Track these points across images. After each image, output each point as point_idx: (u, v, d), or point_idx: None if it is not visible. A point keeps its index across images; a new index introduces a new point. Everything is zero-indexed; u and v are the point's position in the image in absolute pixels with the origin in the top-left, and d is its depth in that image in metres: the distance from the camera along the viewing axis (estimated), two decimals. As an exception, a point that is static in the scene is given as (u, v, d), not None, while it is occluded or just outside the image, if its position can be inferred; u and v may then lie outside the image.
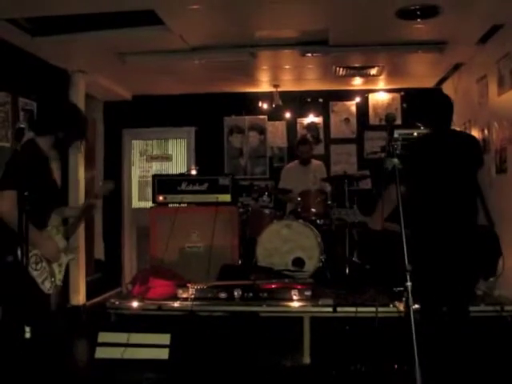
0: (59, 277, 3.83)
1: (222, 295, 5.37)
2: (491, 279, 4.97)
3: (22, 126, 3.37)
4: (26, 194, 3.10)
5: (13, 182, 3.38)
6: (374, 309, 4.84)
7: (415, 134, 6.31)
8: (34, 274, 3.60)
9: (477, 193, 4.10)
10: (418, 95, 8.18)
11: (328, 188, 7.44)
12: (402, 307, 4.47)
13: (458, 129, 4.69)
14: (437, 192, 4.00)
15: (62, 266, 3.85)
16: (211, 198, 6.36)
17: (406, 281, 2.80)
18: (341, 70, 7.54)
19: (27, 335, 3.06)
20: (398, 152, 3.13)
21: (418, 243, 3.81)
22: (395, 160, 3.09)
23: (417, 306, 3.19)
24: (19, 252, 3.38)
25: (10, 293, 3.50)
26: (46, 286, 3.67)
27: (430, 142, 4.21)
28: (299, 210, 6.87)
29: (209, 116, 8.97)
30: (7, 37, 5.82)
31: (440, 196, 3.99)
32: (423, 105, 4.39)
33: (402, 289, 2.85)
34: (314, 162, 7.90)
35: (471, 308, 4.41)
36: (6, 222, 3.48)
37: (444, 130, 4.23)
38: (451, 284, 3.94)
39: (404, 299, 2.83)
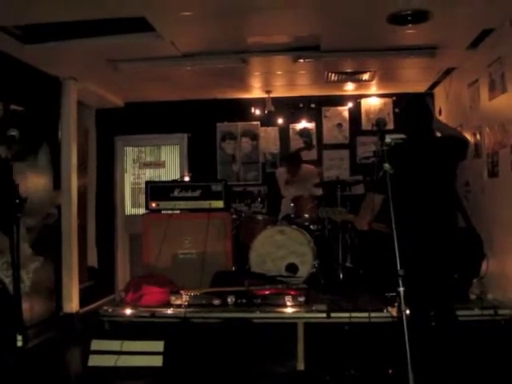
0: (28, 283, 3.83)
1: (216, 302, 5.37)
2: (474, 280, 5.00)
3: (13, 133, 3.37)
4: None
5: None
6: (367, 314, 4.84)
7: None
8: (6, 280, 3.60)
9: (455, 196, 4.13)
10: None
11: (318, 193, 7.43)
12: (394, 312, 4.47)
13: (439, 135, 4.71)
14: (415, 196, 4.02)
15: (29, 273, 3.85)
16: (204, 204, 6.36)
17: (399, 286, 2.80)
18: (333, 75, 7.56)
19: (19, 343, 3.05)
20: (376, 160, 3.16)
21: (401, 248, 3.83)
22: (386, 165, 3.10)
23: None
24: None
25: None
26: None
27: (407, 148, 4.23)
28: (292, 215, 6.87)
29: (201, 122, 8.97)
30: (-2, 44, 5.81)
31: (419, 200, 4.01)
32: (401, 112, 4.43)
33: (394, 294, 2.86)
34: (305, 167, 7.88)
35: (464, 312, 4.43)
36: None
37: (420, 136, 4.26)
38: (434, 286, 3.95)
39: (396, 304, 2.84)
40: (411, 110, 4.39)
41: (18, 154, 3.88)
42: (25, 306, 3.90)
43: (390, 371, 4.29)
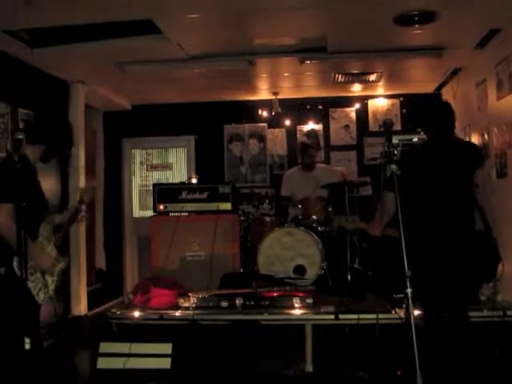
0: (52, 287, 3.82)
1: (224, 304, 5.36)
2: (490, 284, 4.97)
3: (21, 136, 3.38)
4: (23, 205, 3.10)
5: (8, 194, 3.37)
6: (375, 315, 4.83)
7: (415, 139, 6.30)
8: (30, 285, 3.60)
9: (473, 199, 4.11)
10: (418, 101, 8.24)
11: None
12: (402, 314, 4.45)
13: (460, 136, 4.71)
14: (434, 199, 4.00)
15: (54, 276, 3.85)
16: (212, 206, 6.36)
17: (407, 287, 2.79)
18: (340, 76, 7.55)
19: (27, 346, 3.05)
20: (395, 159, 3.14)
21: (416, 251, 3.81)
22: (393, 166, 3.09)
23: (418, 311, 3.17)
24: (15, 264, 3.40)
25: (2, 305, 3.51)
26: (40, 297, 3.68)
27: (429, 150, 4.22)
28: (300, 217, 6.86)
29: (209, 124, 8.98)
30: (6, 48, 5.83)
31: (437, 203, 3.98)
32: (424, 112, 4.39)
33: (402, 295, 2.85)
34: (318, 166, 7.82)
35: (474, 313, 4.41)
36: (1, 234, 3.48)
37: (444, 139, 4.23)
38: (450, 289, 3.93)
39: (404, 306, 2.83)
40: (438, 110, 4.37)
41: (44, 155, 3.89)
42: (47, 310, 3.90)
43: (399, 373, 4.27)
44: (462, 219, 4.01)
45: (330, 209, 6.79)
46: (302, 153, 7.73)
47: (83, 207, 4.37)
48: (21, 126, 6.15)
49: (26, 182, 3.52)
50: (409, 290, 2.79)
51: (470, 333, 4.05)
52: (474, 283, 4.34)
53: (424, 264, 3.87)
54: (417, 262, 3.53)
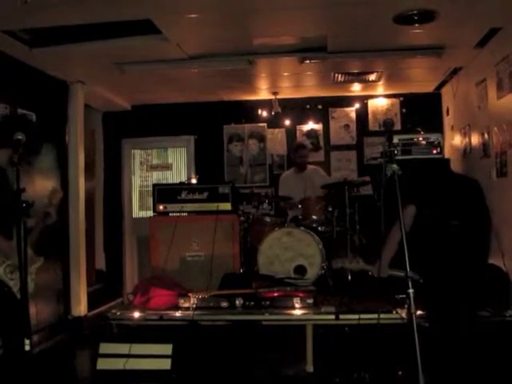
0: (32, 285, 3.83)
1: (224, 304, 5.35)
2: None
3: (20, 137, 3.37)
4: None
5: None
6: (376, 315, 4.81)
7: (414, 139, 6.29)
8: (11, 283, 3.60)
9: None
10: (418, 101, 8.26)
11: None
12: (404, 314, 4.44)
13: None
14: (449, 230, 4.04)
15: (32, 275, 3.85)
16: (211, 206, 6.35)
17: (408, 288, 2.78)
18: (339, 76, 7.54)
19: (27, 348, 3.05)
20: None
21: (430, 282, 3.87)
22: (394, 166, 3.08)
23: (420, 312, 3.16)
24: None
25: None
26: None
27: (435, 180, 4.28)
28: (300, 217, 6.85)
29: (208, 124, 8.98)
30: (5, 48, 5.82)
31: (452, 235, 4.03)
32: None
33: (404, 296, 2.84)
34: (309, 167, 7.87)
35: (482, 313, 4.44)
36: None
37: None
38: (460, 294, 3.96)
39: (406, 306, 2.82)
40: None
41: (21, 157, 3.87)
42: (32, 309, 3.89)
43: (400, 373, 4.26)
44: (475, 255, 4.06)
45: (330, 208, 6.77)
46: (294, 152, 7.78)
47: (52, 210, 4.31)
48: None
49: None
50: (411, 291, 2.78)
51: (477, 333, 4.06)
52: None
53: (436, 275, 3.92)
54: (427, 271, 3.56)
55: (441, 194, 4.17)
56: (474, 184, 4.44)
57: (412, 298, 2.77)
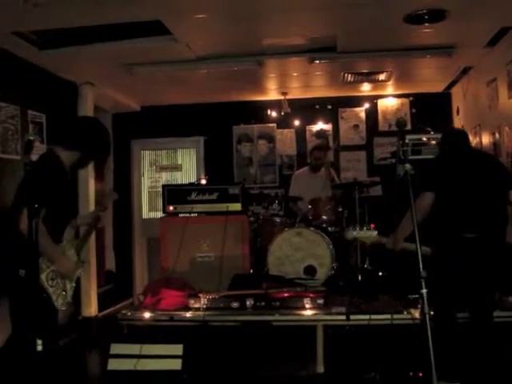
0: (70, 293, 3.82)
1: (234, 305, 5.34)
2: None
3: (32, 138, 3.38)
4: (36, 206, 3.09)
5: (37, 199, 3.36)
6: (387, 316, 4.80)
7: (424, 139, 6.27)
8: (50, 290, 3.59)
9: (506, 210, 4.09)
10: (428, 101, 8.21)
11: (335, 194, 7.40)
12: (417, 314, 4.41)
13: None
14: (466, 207, 3.98)
15: (72, 282, 3.84)
16: (221, 207, 6.34)
17: (421, 288, 2.77)
18: (349, 76, 7.53)
19: (39, 348, 3.04)
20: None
21: (440, 257, 3.80)
22: (407, 166, 3.06)
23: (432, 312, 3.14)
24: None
25: (22, 307, 3.50)
26: (59, 302, 3.67)
27: (454, 159, 4.20)
28: (310, 217, 6.84)
29: (217, 125, 8.98)
30: (15, 50, 5.85)
31: (468, 215, 3.97)
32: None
33: (417, 296, 2.82)
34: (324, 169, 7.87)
35: (501, 313, 4.39)
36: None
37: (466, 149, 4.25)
38: (474, 292, 3.92)
39: (419, 306, 2.80)
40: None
41: (80, 162, 3.91)
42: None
43: (411, 374, 4.24)
44: (494, 232, 3.99)
45: (341, 209, 6.76)
46: (310, 153, 7.83)
47: (105, 214, 4.37)
48: (31, 127, 6.17)
49: (54, 184, 3.55)
50: (424, 291, 2.76)
51: (493, 334, 4.03)
52: (495, 290, 4.32)
53: (446, 269, 3.86)
54: (436, 265, 3.51)
55: (460, 176, 4.10)
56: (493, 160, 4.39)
57: (425, 299, 2.76)
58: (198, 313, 5.28)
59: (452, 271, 3.92)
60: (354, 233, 4.54)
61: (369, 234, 4.57)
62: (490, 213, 4.00)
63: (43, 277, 3.58)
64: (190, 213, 6.44)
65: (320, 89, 8.34)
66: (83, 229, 4.29)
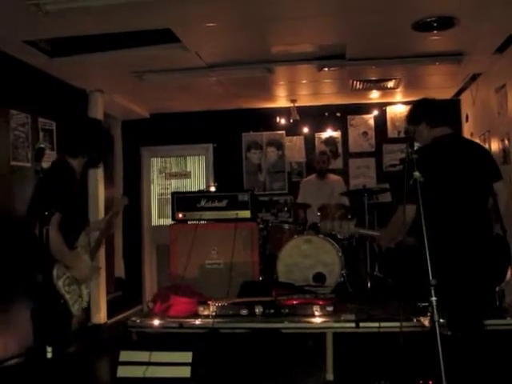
0: (86, 298, 3.86)
1: (244, 312, 5.34)
2: (499, 287, 4.87)
3: (42, 146, 3.41)
4: (46, 213, 3.12)
5: (53, 204, 3.42)
6: (397, 323, 4.77)
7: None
8: (67, 296, 3.62)
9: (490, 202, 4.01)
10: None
11: (347, 202, 7.41)
12: (427, 322, 4.39)
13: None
14: (454, 201, 3.91)
15: (88, 288, 3.88)
16: (231, 214, 6.34)
17: (431, 295, 2.76)
18: (358, 83, 7.54)
19: (49, 355, 3.06)
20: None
21: (436, 256, 3.74)
22: (416, 173, 3.06)
23: (442, 320, 3.12)
24: (54, 272, 3.45)
25: (39, 312, 3.54)
26: (75, 308, 3.70)
27: (440, 150, 4.08)
28: (319, 224, 6.83)
29: (227, 132, 9.01)
30: (26, 58, 5.90)
31: (458, 205, 3.90)
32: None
33: (426, 304, 2.82)
34: (332, 176, 7.89)
35: (496, 321, 4.35)
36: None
37: (456, 137, 4.16)
38: (473, 295, 3.87)
39: (429, 314, 2.79)
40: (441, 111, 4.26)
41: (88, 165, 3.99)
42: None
43: (421, 382, 4.22)
44: (481, 223, 3.93)
45: (350, 216, 6.75)
46: (315, 158, 7.98)
47: (117, 221, 4.43)
48: (41, 135, 6.21)
49: (67, 191, 3.59)
50: (433, 299, 2.76)
51: (489, 341, 3.99)
52: (489, 288, 4.27)
53: (445, 271, 3.80)
54: (437, 268, 3.47)
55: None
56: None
57: (435, 306, 2.75)
58: (207, 320, 5.28)
59: (460, 273, 3.86)
60: (328, 226, 4.47)
61: (344, 226, 4.48)
62: (480, 206, 3.94)
63: (60, 283, 3.61)
64: (199, 220, 6.44)
65: (329, 96, 8.36)
66: (94, 235, 4.31)
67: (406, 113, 8.32)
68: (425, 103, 4.19)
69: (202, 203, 6.43)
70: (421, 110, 4.13)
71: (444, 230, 3.82)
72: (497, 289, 4.96)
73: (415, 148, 3.32)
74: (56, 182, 3.60)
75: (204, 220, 6.43)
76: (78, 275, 3.73)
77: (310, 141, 8.97)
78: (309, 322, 5.22)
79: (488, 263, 3.87)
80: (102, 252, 7.27)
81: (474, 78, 7.32)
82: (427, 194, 3.60)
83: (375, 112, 8.80)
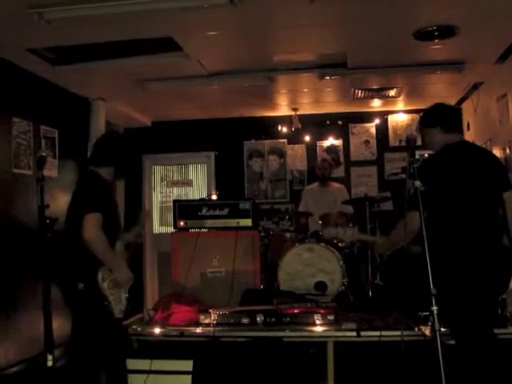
0: (125, 302, 3.93)
1: (245, 320, 5.32)
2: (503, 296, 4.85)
3: (44, 154, 3.43)
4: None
5: (95, 205, 3.53)
6: (398, 332, 4.76)
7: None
8: (111, 298, 3.69)
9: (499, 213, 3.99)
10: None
11: (350, 210, 7.40)
12: (428, 331, 4.38)
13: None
14: (463, 210, 3.88)
15: (127, 293, 3.96)
16: (232, 222, 6.33)
17: (432, 305, 2.75)
18: (359, 92, 7.55)
19: (49, 363, 3.06)
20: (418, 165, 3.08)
21: (442, 266, 3.72)
22: (417, 182, 3.06)
23: (443, 329, 3.11)
24: (99, 276, 3.51)
25: (81, 322, 3.60)
26: (117, 311, 3.78)
27: (446, 158, 4.06)
28: (320, 232, 6.83)
29: (228, 140, 9.02)
30: (29, 66, 5.91)
31: (466, 214, 3.88)
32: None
33: (427, 313, 2.81)
34: (335, 184, 7.89)
35: (500, 330, 4.33)
36: (90, 247, 3.58)
37: (464, 142, 4.15)
38: (481, 304, 3.85)
39: (430, 323, 2.79)
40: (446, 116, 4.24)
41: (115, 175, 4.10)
42: (54, 324, 3.93)
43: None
44: (491, 232, 3.91)
45: (351, 224, 6.75)
46: (316, 165, 7.96)
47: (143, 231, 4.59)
48: (43, 143, 6.23)
49: (102, 198, 3.68)
50: (434, 308, 2.75)
51: (499, 350, 3.96)
52: (494, 298, 4.26)
53: (453, 279, 3.78)
54: (443, 277, 3.46)
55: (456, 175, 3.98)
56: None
57: (436, 316, 2.74)
58: (208, 328, 5.26)
59: (468, 282, 3.83)
60: (332, 232, 4.47)
61: (348, 232, 4.49)
62: (489, 215, 3.92)
63: (105, 284, 3.68)
64: (200, 228, 6.43)
65: (330, 104, 8.37)
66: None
67: (407, 121, 8.45)
68: (441, 107, 4.22)
69: (204, 211, 6.42)
70: (437, 114, 4.16)
71: (452, 238, 3.82)
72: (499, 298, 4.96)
73: (426, 155, 3.33)
74: (90, 187, 3.78)
75: (205, 228, 6.43)
76: (121, 278, 3.81)
77: (311, 149, 8.99)
78: (310, 331, 5.21)
79: (494, 273, 3.86)
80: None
81: (475, 86, 7.33)
82: (436, 202, 3.61)
83: (377, 120, 8.82)
